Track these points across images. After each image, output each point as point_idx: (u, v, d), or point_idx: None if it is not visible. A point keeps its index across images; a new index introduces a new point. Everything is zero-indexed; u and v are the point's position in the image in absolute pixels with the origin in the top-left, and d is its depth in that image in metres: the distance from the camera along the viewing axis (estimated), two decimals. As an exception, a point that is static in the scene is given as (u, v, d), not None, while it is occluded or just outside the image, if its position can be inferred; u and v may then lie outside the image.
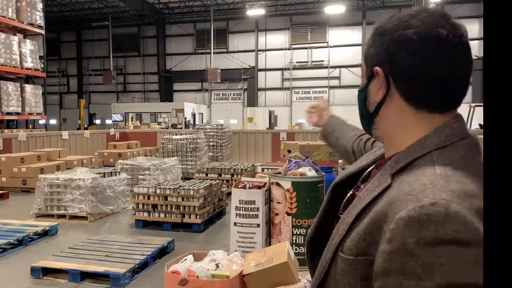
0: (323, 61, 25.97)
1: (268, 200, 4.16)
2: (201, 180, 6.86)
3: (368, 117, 0.91)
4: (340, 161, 6.07)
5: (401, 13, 0.85)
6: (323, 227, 1.04)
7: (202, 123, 22.60)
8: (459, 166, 0.76)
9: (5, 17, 12.82)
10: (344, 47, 25.38)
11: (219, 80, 24.58)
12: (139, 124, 22.07)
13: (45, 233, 5.57)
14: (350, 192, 0.99)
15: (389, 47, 0.82)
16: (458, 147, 0.79)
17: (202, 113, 27.23)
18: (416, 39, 0.79)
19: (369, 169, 0.99)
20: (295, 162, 4.30)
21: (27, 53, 13.77)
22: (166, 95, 28.15)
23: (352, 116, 1.54)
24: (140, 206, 6.01)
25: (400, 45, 0.81)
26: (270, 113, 23.58)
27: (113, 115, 26.13)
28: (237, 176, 8.22)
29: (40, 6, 14.46)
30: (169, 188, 5.97)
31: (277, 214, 4.12)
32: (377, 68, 0.84)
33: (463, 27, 0.81)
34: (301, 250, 4.06)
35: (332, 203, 1.04)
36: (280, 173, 4.30)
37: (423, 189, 0.71)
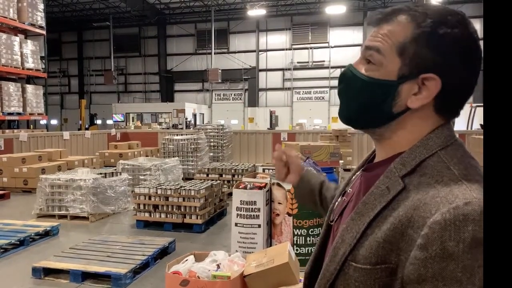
0: (324, 61, 25.97)
1: (269, 200, 4.16)
2: (202, 181, 6.85)
3: (385, 116, 0.81)
4: (341, 161, 6.06)
5: (443, 11, 0.77)
6: (322, 259, 0.95)
7: (203, 123, 22.67)
8: (466, 164, 0.76)
9: (6, 17, 12.85)
10: (345, 47, 25.34)
11: (220, 80, 24.63)
12: (140, 125, 22.13)
13: (46, 234, 5.58)
14: (339, 199, 0.97)
15: (451, 56, 0.76)
16: (457, 147, 0.80)
17: (203, 114, 27.24)
18: (470, 51, 0.76)
19: (357, 173, 0.96)
20: (296, 162, 4.30)
21: (28, 54, 13.79)
22: (167, 96, 28.18)
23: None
24: (141, 207, 6.01)
25: (460, 57, 0.76)
26: (271, 113, 23.63)
27: (114, 115, 26.15)
28: (238, 177, 8.23)
29: (41, 6, 14.48)
30: (170, 189, 5.97)
31: (278, 214, 4.12)
32: (433, 75, 0.76)
33: None
34: (302, 251, 4.06)
35: (329, 234, 0.98)
36: (281, 173, 4.29)
37: (449, 191, 0.70)
